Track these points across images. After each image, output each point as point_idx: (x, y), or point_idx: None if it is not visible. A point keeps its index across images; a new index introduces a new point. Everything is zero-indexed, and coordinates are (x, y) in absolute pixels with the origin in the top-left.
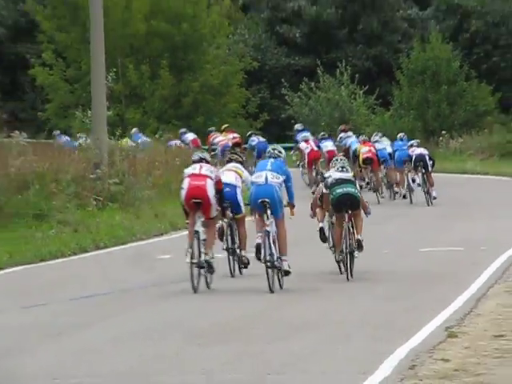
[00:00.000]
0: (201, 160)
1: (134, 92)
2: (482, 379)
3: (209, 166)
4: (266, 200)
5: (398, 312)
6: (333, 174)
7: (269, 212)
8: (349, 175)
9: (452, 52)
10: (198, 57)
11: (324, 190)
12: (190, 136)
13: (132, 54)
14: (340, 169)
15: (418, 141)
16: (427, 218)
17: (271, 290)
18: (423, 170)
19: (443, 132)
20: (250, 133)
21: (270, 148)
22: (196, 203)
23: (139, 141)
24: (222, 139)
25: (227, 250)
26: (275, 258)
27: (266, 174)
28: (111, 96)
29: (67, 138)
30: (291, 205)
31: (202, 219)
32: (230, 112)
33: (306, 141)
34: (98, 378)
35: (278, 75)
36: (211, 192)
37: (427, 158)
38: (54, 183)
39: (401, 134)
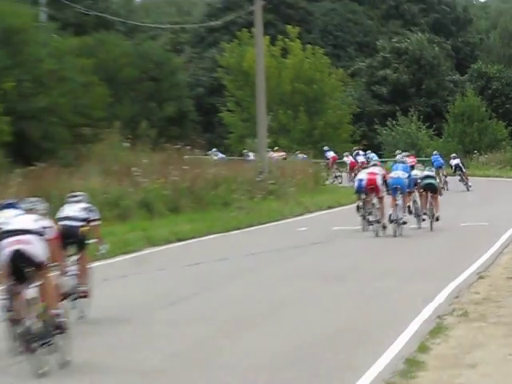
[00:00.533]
0: (374, 165)
1: (283, 127)
2: (500, 305)
3: (378, 167)
4: (399, 186)
5: (447, 263)
6: (424, 172)
7: (399, 192)
8: (433, 174)
9: (480, 102)
10: (323, 105)
11: (419, 180)
12: (220, 154)
13: (282, 104)
14: (429, 169)
15: (455, 155)
16: (463, 204)
17: (394, 235)
18: (460, 172)
19: (475, 151)
20: (297, 152)
21: (398, 157)
22: (371, 188)
23: (218, 157)
24: (275, 155)
25: (363, 216)
26: (399, 217)
27: (398, 173)
28: (269, 130)
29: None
30: (411, 190)
31: (375, 197)
32: (343, 140)
33: (346, 156)
34: (261, 304)
35: (372, 117)
36: (379, 181)
37: (461, 164)
38: (234, 183)
39: (435, 152)
